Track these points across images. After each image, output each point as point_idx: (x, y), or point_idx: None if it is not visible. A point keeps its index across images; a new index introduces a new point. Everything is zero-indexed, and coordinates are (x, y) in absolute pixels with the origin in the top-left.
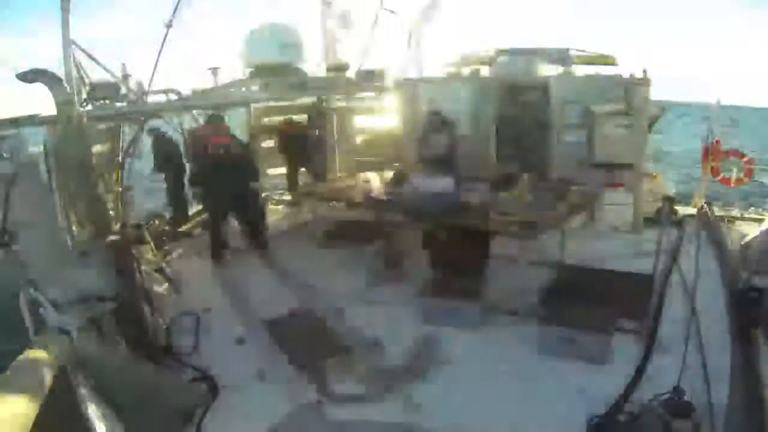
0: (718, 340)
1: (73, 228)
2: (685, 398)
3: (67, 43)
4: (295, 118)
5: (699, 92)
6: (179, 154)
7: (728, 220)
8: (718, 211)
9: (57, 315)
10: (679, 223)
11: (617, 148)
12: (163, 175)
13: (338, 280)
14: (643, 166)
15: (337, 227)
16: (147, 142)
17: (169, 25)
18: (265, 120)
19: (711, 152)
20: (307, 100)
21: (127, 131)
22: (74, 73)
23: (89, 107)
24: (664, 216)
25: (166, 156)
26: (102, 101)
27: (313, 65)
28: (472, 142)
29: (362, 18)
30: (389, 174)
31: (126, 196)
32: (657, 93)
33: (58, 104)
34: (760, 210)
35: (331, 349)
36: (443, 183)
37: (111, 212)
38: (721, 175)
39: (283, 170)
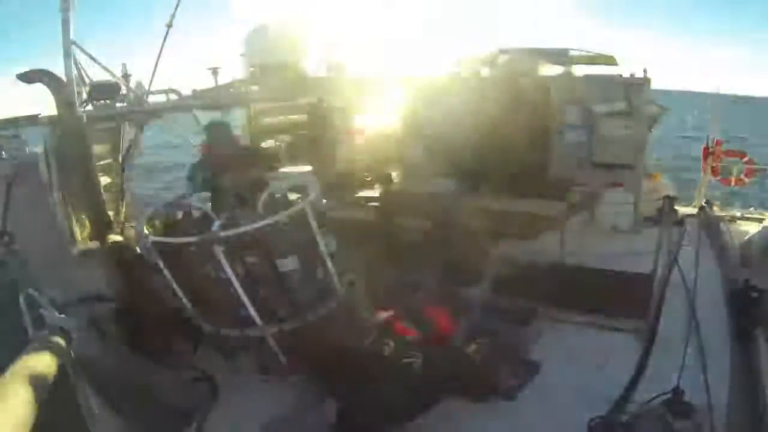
0: (718, 340)
1: (74, 228)
2: (685, 398)
3: (67, 43)
4: (294, 117)
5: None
6: None
7: (728, 220)
8: (718, 211)
9: (57, 315)
10: (679, 223)
11: (617, 148)
12: None
13: None
14: (643, 166)
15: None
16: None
17: (169, 25)
18: (266, 120)
19: (711, 152)
20: (308, 100)
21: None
22: (74, 73)
23: (89, 107)
24: (664, 216)
25: None
26: (102, 101)
27: (314, 65)
28: (472, 142)
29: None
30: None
31: (126, 196)
32: None
33: (58, 104)
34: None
35: None
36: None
37: (111, 212)
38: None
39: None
